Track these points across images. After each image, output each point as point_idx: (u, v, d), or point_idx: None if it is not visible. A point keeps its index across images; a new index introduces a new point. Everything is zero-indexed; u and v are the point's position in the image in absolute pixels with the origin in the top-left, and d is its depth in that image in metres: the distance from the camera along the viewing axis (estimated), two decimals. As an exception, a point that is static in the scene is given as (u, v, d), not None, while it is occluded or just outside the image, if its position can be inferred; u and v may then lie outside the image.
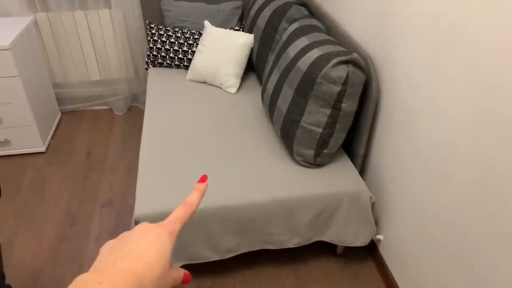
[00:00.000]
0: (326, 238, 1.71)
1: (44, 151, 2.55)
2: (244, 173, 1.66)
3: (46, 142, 2.58)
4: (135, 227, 0.43)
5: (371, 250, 1.88)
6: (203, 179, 0.48)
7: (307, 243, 1.70)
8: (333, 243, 1.72)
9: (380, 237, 1.76)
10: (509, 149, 1.03)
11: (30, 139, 2.47)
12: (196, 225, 1.53)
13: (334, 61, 1.52)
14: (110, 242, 0.42)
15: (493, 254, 1.11)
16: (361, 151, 1.76)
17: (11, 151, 2.49)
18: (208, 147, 1.80)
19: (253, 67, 2.45)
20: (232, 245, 1.61)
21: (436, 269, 1.38)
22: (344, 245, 1.72)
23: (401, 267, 1.62)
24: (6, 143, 2.45)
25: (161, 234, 0.41)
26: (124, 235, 0.42)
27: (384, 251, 1.76)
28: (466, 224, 1.21)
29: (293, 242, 1.67)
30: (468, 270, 1.22)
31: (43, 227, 2.04)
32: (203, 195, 0.47)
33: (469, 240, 1.20)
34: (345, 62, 1.52)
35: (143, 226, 0.42)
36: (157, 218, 1.49)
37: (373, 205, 1.67)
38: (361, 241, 1.71)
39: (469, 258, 1.21)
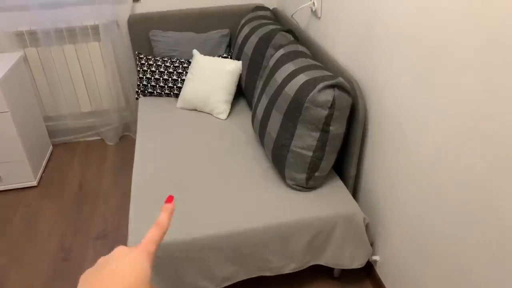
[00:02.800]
0: (322, 262, 1.70)
1: (36, 185, 2.53)
2: (237, 200, 1.66)
3: (38, 176, 2.57)
4: (113, 251, 0.45)
5: (368, 271, 1.87)
6: (170, 199, 0.51)
7: (303, 268, 1.69)
8: (330, 266, 1.72)
9: (376, 257, 1.76)
10: (497, 167, 1.04)
11: (22, 174, 2.46)
12: (191, 255, 1.51)
13: (321, 85, 1.55)
14: (90, 270, 0.43)
15: (490, 270, 1.12)
16: (352, 172, 1.77)
17: (2, 187, 2.47)
18: (200, 175, 1.81)
19: (242, 92, 2.48)
20: (228, 274, 1.60)
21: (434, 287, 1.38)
22: (341, 267, 1.71)
23: (399, 287, 1.61)
24: (-3, 179, 2.43)
25: (139, 255, 0.44)
26: (102, 260, 0.44)
27: (381, 271, 1.75)
28: (461, 241, 1.22)
29: (289, 267, 1.66)
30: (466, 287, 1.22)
31: (36, 263, 2.00)
32: (172, 214, 0.50)
33: (465, 257, 1.21)
34: (331, 86, 1.55)
35: (121, 249, 0.44)
36: (151, 250, 1.47)
37: (367, 226, 1.67)
38: (357, 263, 1.70)
39: (466, 275, 1.21)
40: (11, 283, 1.90)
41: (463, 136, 1.15)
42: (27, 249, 2.08)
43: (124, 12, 2.60)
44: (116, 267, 0.41)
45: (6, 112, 2.24)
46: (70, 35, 2.62)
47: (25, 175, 2.47)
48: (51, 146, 2.88)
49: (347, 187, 1.79)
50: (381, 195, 1.65)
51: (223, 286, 1.62)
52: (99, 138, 3.04)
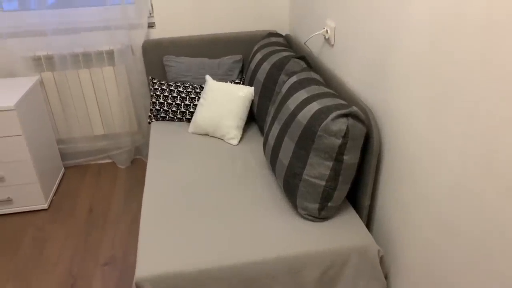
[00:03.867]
0: (335, 295, 1.64)
1: (47, 208, 2.53)
2: (246, 229, 1.63)
3: (49, 199, 2.57)
4: None
5: (382, 306, 1.79)
6: None
7: (315, 301, 1.63)
8: (343, 300, 1.65)
9: (391, 292, 1.69)
10: (517, 205, 1.00)
11: (33, 196, 2.46)
12: (196, 287, 1.47)
13: (334, 114, 1.52)
14: None
15: (511, 315, 1.06)
16: (366, 202, 1.72)
17: (13, 209, 2.47)
18: (211, 202, 1.78)
19: (254, 117, 2.47)
20: (237, 306, 1.55)
21: (453, 329, 1.31)
22: (354, 302, 1.65)
23: (416, 325, 1.54)
24: (8, 201, 2.44)
25: None
26: None
27: (397, 307, 1.68)
28: (479, 277, 1.16)
29: (300, 301, 1.60)
30: (487, 331, 1.15)
31: (43, 289, 1.98)
32: None
33: (484, 299, 1.15)
34: (345, 115, 1.52)
35: None
36: (159, 280, 1.44)
37: (381, 259, 1.62)
38: (371, 297, 1.64)
39: (486, 319, 1.15)
40: (17, 310, 1.87)
41: (480, 173, 1.11)
42: (35, 274, 2.06)
43: (138, 38, 2.64)
44: None
45: (20, 135, 2.26)
46: (86, 59, 2.67)
47: (36, 198, 2.47)
48: (62, 169, 2.90)
49: (361, 218, 1.74)
50: (396, 226, 1.60)
51: (231, 319, 1.57)
52: (110, 161, 3.04)
